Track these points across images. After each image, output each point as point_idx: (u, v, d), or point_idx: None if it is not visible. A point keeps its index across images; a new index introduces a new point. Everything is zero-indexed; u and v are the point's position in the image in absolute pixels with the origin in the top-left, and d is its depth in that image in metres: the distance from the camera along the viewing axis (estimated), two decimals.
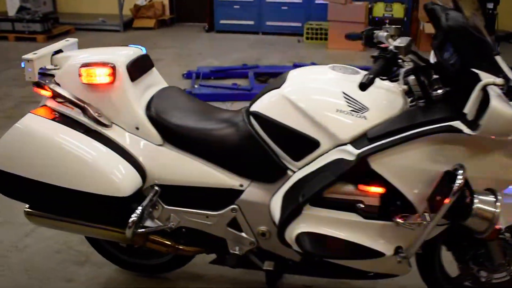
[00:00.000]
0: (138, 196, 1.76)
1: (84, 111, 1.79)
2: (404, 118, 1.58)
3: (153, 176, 1.80)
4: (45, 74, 1.83)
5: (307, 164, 1.70)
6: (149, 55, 1.97)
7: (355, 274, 1.81)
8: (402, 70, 1.56)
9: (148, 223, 1.83)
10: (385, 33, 1.75)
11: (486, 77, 1.39)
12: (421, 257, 1.90)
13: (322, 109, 1.63)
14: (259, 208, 1.79)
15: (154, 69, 1.99)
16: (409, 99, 1.69)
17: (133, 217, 1.72)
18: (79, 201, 1.73)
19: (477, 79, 1.40)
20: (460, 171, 1.46)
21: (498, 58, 1.53)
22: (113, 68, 1.75)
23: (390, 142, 1.52)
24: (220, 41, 7.50)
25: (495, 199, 1.48)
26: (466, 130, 1.44)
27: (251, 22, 7.83)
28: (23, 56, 1.80)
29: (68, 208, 1.82)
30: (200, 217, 1.85)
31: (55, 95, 1.82)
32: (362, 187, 1.61)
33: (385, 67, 1.51)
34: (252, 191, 1.79)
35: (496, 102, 1.35)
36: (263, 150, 1.73)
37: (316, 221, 1.65)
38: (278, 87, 1.71)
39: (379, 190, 1.61)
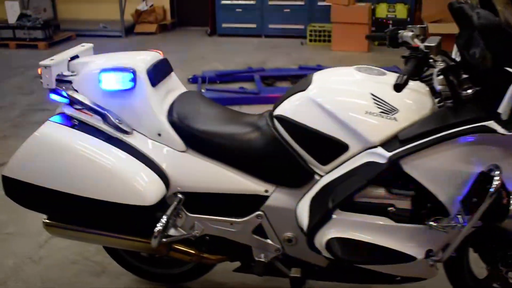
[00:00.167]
0: (161, 205, 1.72)
1: (104, 118, 1.74)
2: (436, 119, 1.54)
3: (177, 183, 1.76)
4: (62, 80, 1.79)
5: (334, 168, 1.66)
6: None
7: (383, 279, 1.78)
8: (435, 70, 1.52)
9: (172, 231, 1.79)
10: (411, 33, 1.72)
11: None
12: (449, 259, 1.86)
13: (350, 111, 1.59)
14: (285, 213, 1.75)
15: (173, 73, 1.95)
16: (436, 100, 1.65)
17: (159, 226, 1.67)
18: (102, 211, 1.68)
19: (511, 78, 1.37)
20: (496, 172, 1.43)
21: None
22: (134, 73, 1.71)
23: (423, 144, 1.48)
24: (223, 44, 7.47)
25: None
26: (500, 130, 1.41)
27: (254, 25, 7.79)
28: (40, 63, 1.75)
29: (90, 219, 1.77)
30: (224, 225, 1.81)
31: (73, 102, 1.78)
32: (393, 190, 1.57)
33: (417, 67, 1.48)
34: (277, 197, 1.75)
35: None
36: (289, 154, 1.69)
37: (346, 226, 1.61)
38: (304, 90, 1.67)
39: (410, 192, 1.57)
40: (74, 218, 1.81)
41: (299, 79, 5.24)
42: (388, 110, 1.56)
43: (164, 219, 1.69)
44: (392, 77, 1.69)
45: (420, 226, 1.58)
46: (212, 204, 1.80)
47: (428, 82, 1.67)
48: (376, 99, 1.58)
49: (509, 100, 1.38)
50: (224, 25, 7.91)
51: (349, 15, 6.55)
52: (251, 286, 2.22)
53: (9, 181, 1.73)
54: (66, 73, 1.80)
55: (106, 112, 1.74)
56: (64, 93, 1.76)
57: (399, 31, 1.78)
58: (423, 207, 1.59)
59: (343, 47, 6.67)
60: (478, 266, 1.87)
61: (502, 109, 1.40)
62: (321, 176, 1.69)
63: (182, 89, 1.98)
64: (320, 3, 7.41)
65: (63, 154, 1.67)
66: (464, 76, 1.55)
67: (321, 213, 1.61)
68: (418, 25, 1.74)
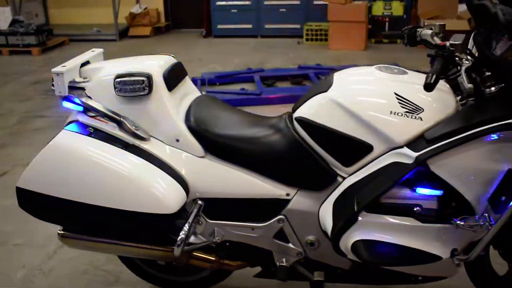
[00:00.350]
0: (181, 212, 1.68)
1: (120, 124, 1.70)
2: (461, 117, 1.52)
3: (196, 189, 1.72)
4: (74, 87, 1.74)
5: (358, 170, 1.63)
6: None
7: (405, 279, 1.76)
8: (463, 68, 1.50)
9: (192, 239, 1.75)
10: (430, 31, 1.69)
11: None
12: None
13: (375, 112, 1.56)
14: (307, 217, 1.72)
15: (187, 77, 1.91)
16: (458, 98, 1.63)
17: (182, 234, 1.63)
18: (122, 220, 1.64)
19: None
20: None
21: None
22: (150, 78, 1.67)
23: (450, 143, 1.46)
24: (219, 46, 7.43)
25: None
26: None
27: (249, 26, 7.77)
28: (53, 70, 1.70)
29: (109, 229, 1.73)
30: (245, 230, 1.77)
31: (87, 109, 1.73)
32: (420, 189, 1.55)
33: (445, 66, 1.45)
34: (299, 200, 1.72)
35: None
36: (311, 157, 1.66)
37: (372, 228, 1.59)
38: (325, 91, 1.64)
39: (437, 192, 1.55)
40: (92, 229, 1.77)
41: (299, 79, 5.31)
42: (413, 110, 1.54)
43: (186, 227, 1.65)
44: (413, 76, 1.66)
45: (446, 225, 1.56)
46: (232, 209, 1.76)
47: (450, 80, 1.65)
48: (401, 98, 1.55)
49: None
50: (219, 26, 7.88)
51: (346, 13, 6.55)
52: None
53: (23, 193, 1.68)
54: (78, 79, 1.76)
55: (122, 119, 1.69)
56: (77, 100, 1.71)
57: (418, 29, 1.76)
58: (448, 207, 1.57)
59: (340, 46, 6.67)
60: (494, 262, 1.86)
61: None
62: (344, 178, 1.66)
63: (197, 93, 1.95)
64: (315, 2, 7.41)
65: (81, 163, 1.62)
66: (487, 73, 1.53)
67: (346, 215, 1.58)
68: (438, 23, 1.72)
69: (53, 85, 1.72)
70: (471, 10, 1.65)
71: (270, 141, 1.70)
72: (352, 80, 1.69)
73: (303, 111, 1.67)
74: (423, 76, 1.68)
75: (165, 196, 1.61)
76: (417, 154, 1.48)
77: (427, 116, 1.54)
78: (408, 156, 1.51)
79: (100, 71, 1.76)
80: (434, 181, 1.53)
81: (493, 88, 1.51)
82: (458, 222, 1.54)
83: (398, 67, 1.71)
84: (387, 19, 6.97)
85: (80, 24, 8.48)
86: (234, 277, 2.10)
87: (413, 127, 1.53)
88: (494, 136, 1.46)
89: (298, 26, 7.51)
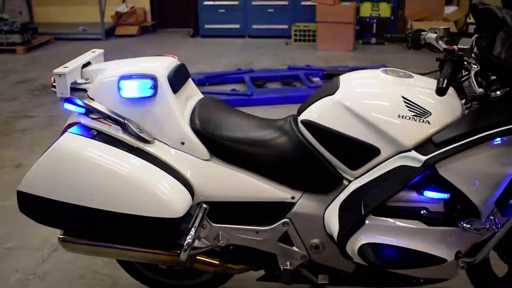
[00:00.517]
0: (186, 216, 1.66)
1: (124, 127, 1.66)
2: (469, 121, 1.53)
3: (201, 193, 1.70)
4: (76, 89, 1.70)
5: (364, 173, 1.64)
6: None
7: (407, 282, 1.76)
8: (473, 73, 1.51)
9: (196, 243, 1.73)
10: (434, 35, 1.71)
11: None
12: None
13: (383, 115, 1.56)
14: (312, 220, 1.71)
15: (190, 79, 1.89)
16: (462, 101, 1.65)
17: (188, 239, 1.61)
18: (128, 225, 1.61)
19: None
20: None
21: None
22: (155, 80, 1.64)
23: (459, 147, 1.47)
24: (207, 46, 7.39)
25: None
26: None
27: (237, 26, 7.75)
28: (54, 71, 1.66)
29: (114, 233, 1.69)
30: (249, 233, 1.76)
31: (90, 111, 1.70)
32: (427, 193, 1.56)
33: (454, 70, 1.46)
34: (304, 203, 1.71)
35: None
36: (316, 160, 1.65)
37: (379, 231, 1.59)
38: (331, 94, 1.64)
39: (443, 195, 1.56)
40: (95, 233, 1.73)
41: (289, 79, 5.31)
42: (421, 113, 1.54)
43: (192, 231, 1.63)
44: (419, 80, 1.67)
45: (452, 228, 1.57)
46: (237, 213, 1.74)
47: (455, 84, 1.66)
48: (408, 102, 1.56)
49: None
50: (207, 26, 7.84)
51: (335, 14, 6.58)
52: None
53: (25, 197, 1.64)
54: (80, 81, 1.71)
55: (126, 121, 1.66)
56: (80, 102, 1.67)
57: (422, 33, 1.78)
58: (454, 210, 1.58)
59: (328, 47, 6.70)
60: (493, 264, 1.87)
61: None
62: (350, 182, 1.66)
63: (200, 95, 1.92)
64: (303, 3, 7.43)
65: (86, 166, 1.58)
66: (493, 77, 1.54)
67: (352, 219, 1.58)
68: (442, 27, 1.73)
69: (54, 86, 1.68)
70: (475, 15, 1.67)
71: (276, 144, 1.69)
72: (359, 83, 1.69)
73: (309, 113, 1.66)
74: (429, 79, 1.70)
75: (171, 200, 1.59)
76: (425, 157, 1.49)
77: (435, 119, 1.55)
78: (416, 159, 1.51)
79: (103, 73, 1.73)
80: (441, 184, 1.54)
81: (498, 92, 1.52)
82: (465, 225, 1.55)
83: (404, 71, 1.72)
84: (374, 21, 7.03)
85: (65, 23, 8.35)
86: (235, 280, 2.08)
87: (421, 131, 1.54)
88: (502, 140, 1.47)
89: (286, 26, 7.51)
